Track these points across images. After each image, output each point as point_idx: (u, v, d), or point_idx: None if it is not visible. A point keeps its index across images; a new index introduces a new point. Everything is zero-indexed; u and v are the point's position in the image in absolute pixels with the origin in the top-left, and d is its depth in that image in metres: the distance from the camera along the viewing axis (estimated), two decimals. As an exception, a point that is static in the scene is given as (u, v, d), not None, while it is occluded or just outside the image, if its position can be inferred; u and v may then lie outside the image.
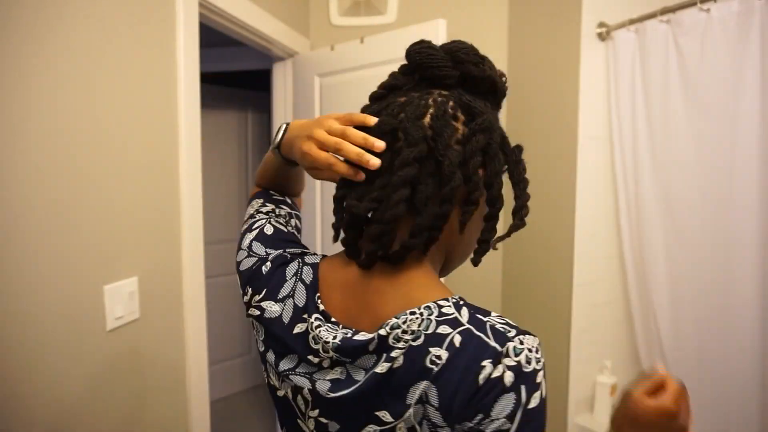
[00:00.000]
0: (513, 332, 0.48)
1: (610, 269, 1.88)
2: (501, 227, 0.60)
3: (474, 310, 0.52)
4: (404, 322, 0.51)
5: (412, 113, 0.55)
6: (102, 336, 1.09)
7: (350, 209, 0.57)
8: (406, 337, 0.50)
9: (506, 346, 0.47)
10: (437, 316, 0.50)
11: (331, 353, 0.55)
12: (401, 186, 0.53)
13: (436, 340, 0.49)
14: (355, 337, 0.53)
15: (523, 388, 0.45)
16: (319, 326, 0.57)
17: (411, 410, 0.49)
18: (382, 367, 0.51)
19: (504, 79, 0.62)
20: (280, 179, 0.78)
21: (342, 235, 0.60)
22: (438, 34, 1.61)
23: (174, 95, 1.31)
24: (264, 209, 0.74)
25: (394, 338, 0.51)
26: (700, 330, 1.55)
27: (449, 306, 0.51)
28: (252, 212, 0.74)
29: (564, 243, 1.82)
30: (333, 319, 0.58)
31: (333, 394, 0.54)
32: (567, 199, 1.80)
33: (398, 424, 0.51)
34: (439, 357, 0.48)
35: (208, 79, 2.89)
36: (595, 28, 1.74)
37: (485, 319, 0.50)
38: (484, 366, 0.46)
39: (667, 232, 1.63)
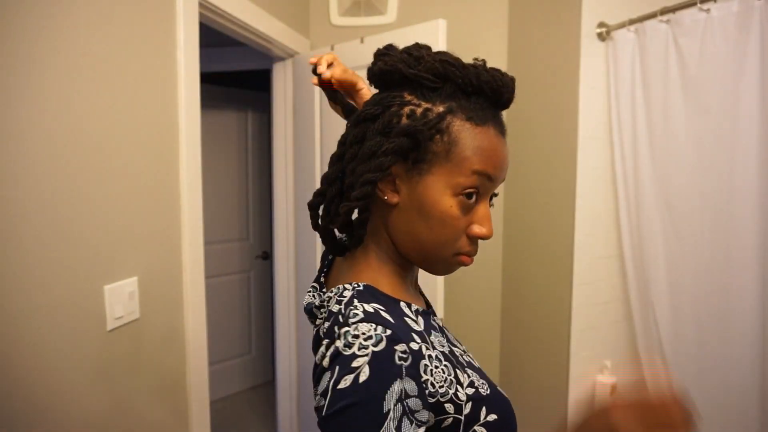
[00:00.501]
0: (356, 318, 0.51)
1: (610, 269, 1.88)
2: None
3: (359, 297, 0.55)
4: (328, 297, 0.60)
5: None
6: (102, 336, 1.09)
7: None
8: (323, 309, 0.61)
9: (341, 330, 0.50)
10: (338, 296, 0.58)
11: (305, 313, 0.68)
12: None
13: (329, 315, 0.56)
14: (311, 301, 0.66)
15: (336, 369, 0.48)
16: (309, 291, 0.68)
17: None
18: (316, 332, 0.63)
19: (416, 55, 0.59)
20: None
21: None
22: (438, 34, 1.61)
23: (174, 95, 1.31)
24: None
25: (323, 309, 0.61)
26: (700, 329, 1.55)
27: (349, 290, 0.58)
28: None
29: (564, 243, 1.82)
30: (324, 290, 0.67)
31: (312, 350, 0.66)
32: (567, 199, 1.80)
33: None
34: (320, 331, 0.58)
35: (208, 79, 2.89)
36: (595, 28, 1.74)
37: (355, 305, 0.54)
38: (322, 345, 0.52)
39: (667, 231, 1.63)
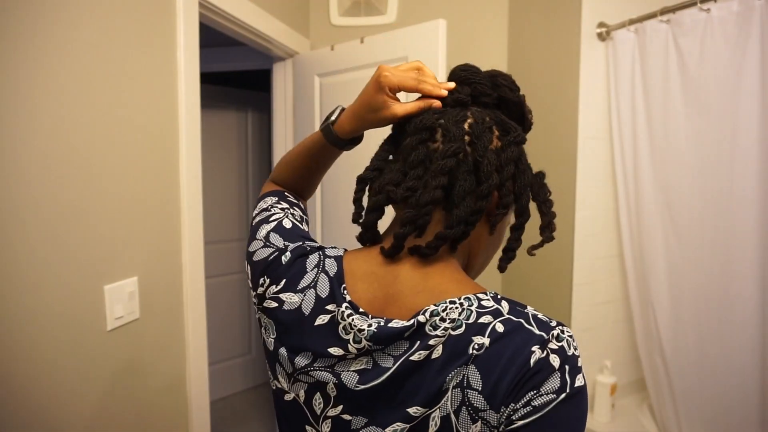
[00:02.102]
0: (554, 322, 0.53)
1: (610, 269, 1.88)
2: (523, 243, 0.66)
3: (513, 303, 0.55)
4: (444, 310, 0.52)
5: (452, 118, 0.59)
6: (102, 336, 1.09)
7: (387, 191, 0.59)
8: (445, 325, 0.52)
9: (551, 333, 0.51)
10: (477, 308, 0.53)
11: (364, 342, 0.54)
12: (440, 174, 0.57)
13: (478, 329, 0.51)
14: (390, 325, 0.53)
15: (567, 368, 0.50)
16: (351, 315, 0.56)
17: (449, 394, 0.50)
18: (418, 355, 0.51)
19: (531, 116, 0.66)
20: (307, 170, 0.77)
21: (363, 218, 0.64)
22: (438, 35, 1.61)
23: (174, 95, 1.31)
24: (279, 205, 0.74)
25: (431, 325, 0.52)
26: (699, 329, 1.55)
27: (488, 299, 0.54)
28: (266, 206, 0.74)
29: (564, 243, 1.82)
30: (361, 310, 0.57)
31: (363, 386, 0.54)
32: (567, 199, 1.80)
33: (432, 413, 0.51)
34: (482, 345, 0.51)
35: (208, 79, 2.89)
36: (595, 28, 1.74)
37: (525, 310, 0.54)
38: (534, 351, 0.50)
39: (667, 231, 1.63)
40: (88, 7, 1.03)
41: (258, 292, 0.63)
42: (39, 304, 0.94)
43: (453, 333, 0.51)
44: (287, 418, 0.62)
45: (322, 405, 0.57)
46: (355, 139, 0.72)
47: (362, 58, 1.81)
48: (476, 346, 0.50)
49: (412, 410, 0.52)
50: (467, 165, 0.58)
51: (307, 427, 0.59)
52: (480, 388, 0.49)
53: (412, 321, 0.52)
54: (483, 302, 0.54)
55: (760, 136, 1.37)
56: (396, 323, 0.53)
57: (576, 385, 0.50)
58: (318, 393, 0.57)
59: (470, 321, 0.52)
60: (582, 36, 1.71)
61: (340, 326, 0.56)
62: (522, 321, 0.52)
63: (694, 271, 1.55)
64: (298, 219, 0.72)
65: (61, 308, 0.99)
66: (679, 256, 1.60)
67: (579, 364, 0.51)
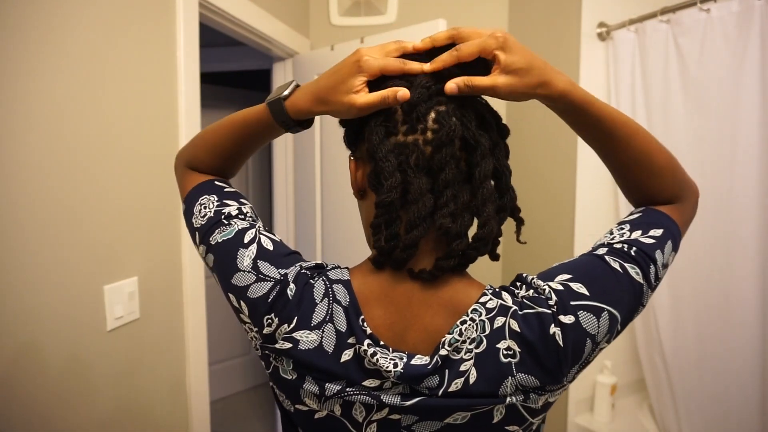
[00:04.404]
0: (546, 290, 0.53)
1: (610, 269, 1.87)
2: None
3: (507, 290, 0.56)
4: (460, 334, 0.52)
5: (468, 121, 0.54)
6: (102, 336, 1.09)
7: (445, 228, 0.53)
8: (468, 346, 0.52)
9: (551, 306, 0.52)
10: (486, 315, 0.53)
11: (392, 380, 0.52)
12: (490, 202, 0.54)
13: (497, 334, 0.52)
14: (413, 362, 0.51)
15: (580, 313, 0.52)
16: (374, 354, 0.52)
17: (507, 399, 0.52)
18: (455, 385, 0.51)
19: None
20: (237, 151, 0.66)
21: (397, 247, 0.55)
22: (438, 34, 1.61)
23: (174, 95, 1.31)
24: (227, 209, 0.62)
25: (455, 351, 0.52)
26: (699, 328, 1.55)
27: (491, 299, 0.54)
28: (210, 213, 0.62)
29: (564, 242, 1.82)
30: (381, 343, 0.54)
31: (407, 402, 0.52)
32: (567, 199, 1.80)
33: (495, 406, 0.52)
34: (509, 348, 0.51)
35: (208, 79, 2.89)
36: (595, 28, 1.74)
37: (520, 293, 0.55)
38: (554, 332, 0.51)
39: (667, 232, 1.63)
40: (88, 6, 1.03)
41: (264, 332, 0.56)
42: (39, 304, 0.94)
43: (478, 351, 0.52)
44: (326, 430, 0.57)
45: (364, 413, 0.54)
46: (305, 122, 0.62)
47: (362, 58, 1.81)
48: (505, 352, 0.51)
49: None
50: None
51: None
52: (536, 384, 0.52)
53: (435, 359, 0.51)
54: (488, 305, 0.54)
55: (760, 136, 1.37)
56: (419, 360, 0.52)
57: (590, 302, 0.52)
58: (357, 404, 0.54)
59: (487, 332, 0.52)
60: (582, 36, 1.71)
61: (365, 361, 0.53)
62: (525, 310, 0.53)
63: (694, 269, 1.55)
64: (266, 229, 0.63)
65: (61, 308, 0.99)
66: (679, 255, 1.59)
67: (561, 287, 0.53)
